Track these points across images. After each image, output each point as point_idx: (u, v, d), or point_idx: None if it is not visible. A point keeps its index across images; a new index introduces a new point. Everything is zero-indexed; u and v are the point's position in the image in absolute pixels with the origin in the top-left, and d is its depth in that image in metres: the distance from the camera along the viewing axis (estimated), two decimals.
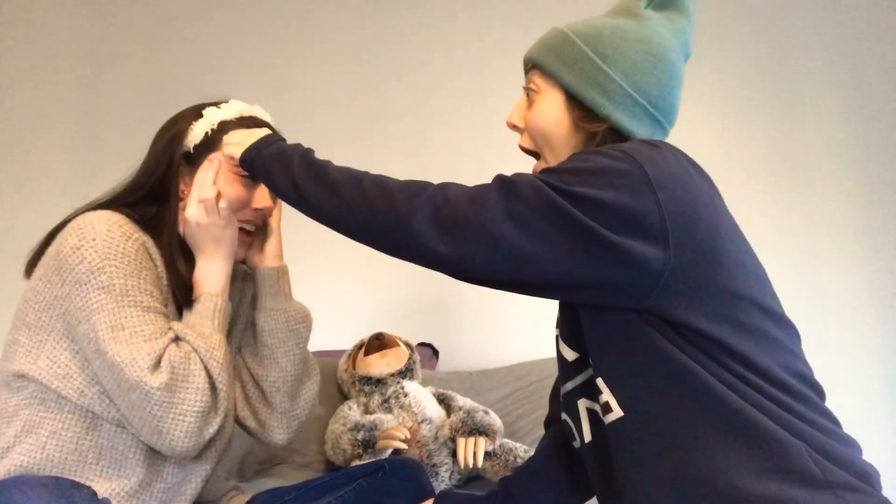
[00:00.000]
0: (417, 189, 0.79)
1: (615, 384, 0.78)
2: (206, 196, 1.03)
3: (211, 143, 1.08)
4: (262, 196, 1.11)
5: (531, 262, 0.74)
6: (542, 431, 1.87)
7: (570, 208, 0.72)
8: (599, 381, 0.80)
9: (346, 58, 2.49)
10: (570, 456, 1.03)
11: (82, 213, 1.02)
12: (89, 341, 0.94)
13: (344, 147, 2.42)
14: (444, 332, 2.27)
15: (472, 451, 1.59)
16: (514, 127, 0.96)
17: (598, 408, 0.83)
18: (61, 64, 2.39)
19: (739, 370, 0.73)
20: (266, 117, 1.15)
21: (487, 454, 1.62)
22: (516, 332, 2.27)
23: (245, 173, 1.04)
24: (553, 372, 1.99)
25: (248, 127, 1.09)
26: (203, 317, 1.02)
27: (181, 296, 1.05)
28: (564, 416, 0.93)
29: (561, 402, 0.94)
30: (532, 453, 1.61)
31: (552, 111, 0.90)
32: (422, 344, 2.18)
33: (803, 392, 0.76)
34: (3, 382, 1.00)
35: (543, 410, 1.95)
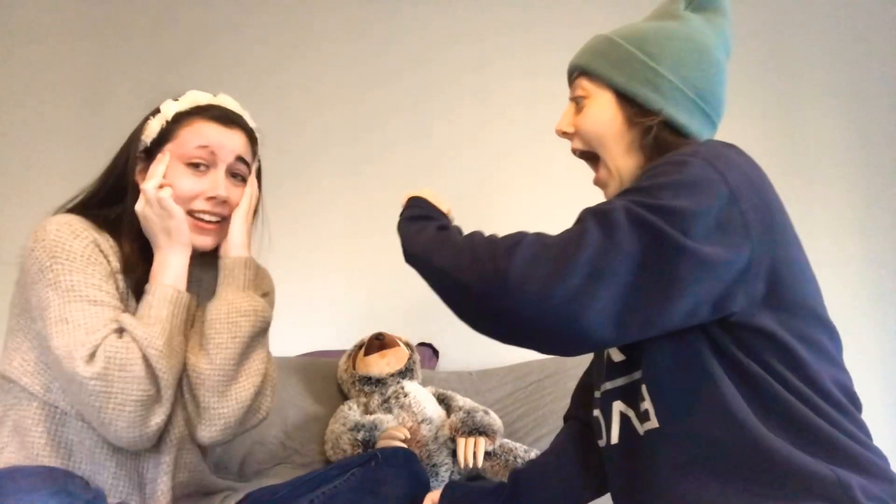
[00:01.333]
0: (516, 237, 0.76)
1: (658, 395, 0.79)
2: (146, 186, 1.04)
3: (165, 135, 1.09)
4: (213, 185, 1.09)
5: (638, 289, 0.71)
6: (542, 431, 1.90)
7: (665, 226, 0.71)
8: (644, 389, 0.81)
9: (346, 57, 2.49)
10: (583, 453, 1.04)
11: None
12: (42, 339, 0.97)
13: (344, 147, 2.42)
14: (444, 332, 2.26)
15: (472, 451, 1.59)
16: (563, 134, 0.98)
17: (632, 413, 0.84)
18: (61, 61, 2.38)
19: (798, 385, 0.75)
20: (228, 105, 1.15)
21: (487, 454, 1.62)
22: None
23: (198, 161, 1.08)
24: (553, 372, 2.01)
25: (201, 116, 1.10)
26: (150, 306, 1.01)
27: (138, 289, 1.06)
28: (597, 413, 0.94)
29: (596, 400, 0.94)
30: (532, 453, 1.61)
31: (604, 112, 0.92)
32: (422, 344, 2.18)
33: (847, 406, 0.77)
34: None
35: (543, 410, 1.96)
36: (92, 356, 0.93)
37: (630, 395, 0.85)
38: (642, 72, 0.89)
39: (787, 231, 0.80)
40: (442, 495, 1.05)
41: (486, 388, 2.02)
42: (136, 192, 1.09)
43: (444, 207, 1.03)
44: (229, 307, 1.08)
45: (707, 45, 0.91)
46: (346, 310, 2.33)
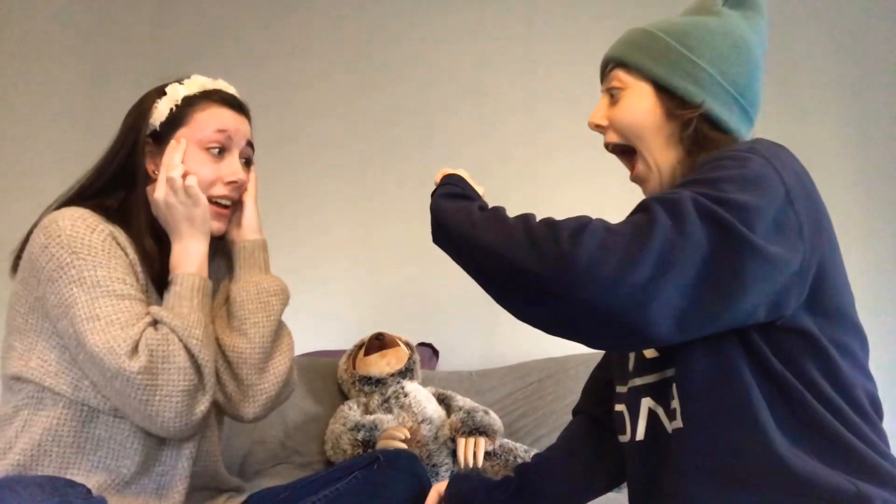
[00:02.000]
0: (581, 222, 0.73)
1: (687, 396, 0.79)
2: (172, 175, 1.03)
3: (176, 119, 1.08)
4: (232, 169, 1.09)
5: (702, 285, 0.69)
6: (542, 431, 1.90)
7: (733, 221, 0.70)
8: (674, 387, 0.80)
9: (346, 57, 2.49)
10: (591, 449, 1.04)
11: (50, 211, 1.03)
12: (70, 336, 0.95)
13: (345, 148, 2.42)
14: (444, 332, 2.27)
15: (472, 451, 1.59)
16: (597, 126, 0.96)
17: (661, 411, 0.84)
18: (61, 61, 2.39)
19: (830, 394, 0.74)
20: (230, 90, 1.15)
21: (487, 454, 1.62)
22: (516, 332, 2.26)
23: (216, 145, 1.07)
24: (553, 372, 2.01)
25: (213, 101, 1.10)
26: (181, 297, 1.01)
27: (157, 279, 1.05)
28: (620, 408, 0.93)
29: (620, 395, 0.94)
30: (532, 453, 1.61)
31: (642, 103, 0.91)
32: (422, 344, 2.18)
33: (872, 416, 0.77)
34: (4, 386, 1.03)
35: (543, 410, 1.96)
36: (134, 350, 0.93)
37: (661, 393, 0.84)
38: (683, 64, 0.89)
39: (832, 236, 0.79)
40: (448, 486, 1.04)
41: (486, 388, 2.02)
42: (146, 177, 1.07)
43: (480, 190, 1.00)
44: (258, 288, 1.10)
45: (746, 40, 0.91)
46: (347, 310, 2.33)
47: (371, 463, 1.12)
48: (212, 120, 1.08)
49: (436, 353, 2.21)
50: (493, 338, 2.31)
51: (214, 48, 2.46)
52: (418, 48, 2.50)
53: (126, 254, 1.02)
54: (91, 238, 0.98)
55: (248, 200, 1.14)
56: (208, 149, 1.07)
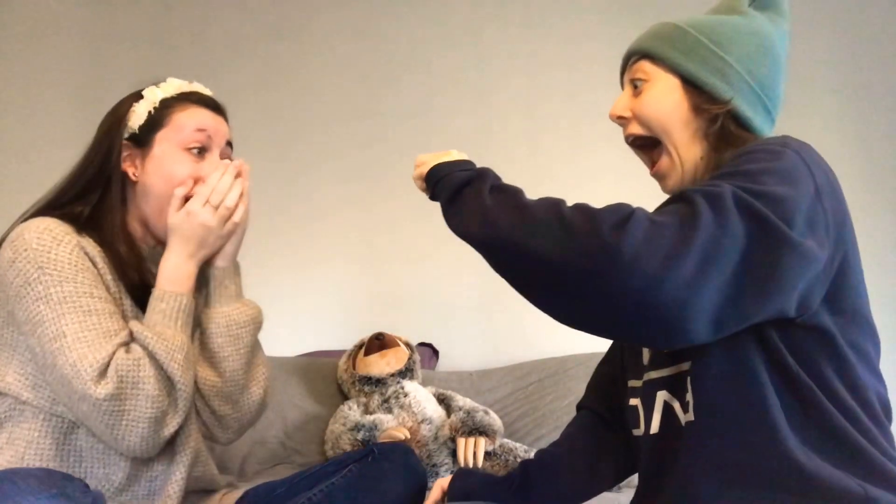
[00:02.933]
0: (623, 212, 0.70)
1: (701, 390, 0.78)
2: (229, 205, 1.03)
3: (156, 121, 1.07)
4: (213, 168, 1.07)
5: (740, 281, 0.68)
6: (542, 431, 1.90)
7: (771, 215, 0.69)
8: (689, 380, 0.80)
9: (345, 59, 2.49)
10: (596, 445, 1.03)
11: (21, 221, 1.02)
12: (38, 355, 0.94)
13: (344, 149, 2.42)
14: (444, 332, 2.27)
15: (472, 451, 1.59)
16: (619, 118, 0.94)
17: (677, 404, 0.84)
18: (61, 61, 2.39)
19: (843, 395, 0.74)
20: (207, 91, 1.14)
21: (487, 454, 1.62)
22: (516, 332, 2.27)
23: (197, 145, 1.05)
24: (553, 372, 2.01)
25: (191, 101, 1.08)
26: (167, 317, 0.99)
27: (133, 286, 1.03)
28: (635, 402, 0.92)
29: (635, 389, 0.93)
30: (532, 453, 1.61)
31: (669, 96, 0.90)
32: (422, 344, 2.18)
33: (882, 419, 0.77)
34: None
35: (543, 410, 1.96)
36: (102, 375, 0.90)
37: (676, 385, 0.84)
38: (712, 60, 0.88)
39: (853, 235, 0.79)
40: (451, 482, 1.04)
41: (486, 388, 2.02)
42: (124, 180, 1.07)
43: (463, 156, 0.97)
44: (227, 320, 1.07)
45: (772, 42, 0.91)
46: (347, 310, 2.33)
47: (365, 456, 1.11)
48: (190, 120, 1.07)
49: (436, 353, 2.21)
50: (493, 338, 2.31)
51: (214, 49, 2.46)
52: (418, 48, 2.50)
53: (96, 265, 0.99)
54: (58, 251, 0.95)
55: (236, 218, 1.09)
56: (189, 149, 1.06)
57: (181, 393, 0.97)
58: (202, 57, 2.43)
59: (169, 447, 1.03)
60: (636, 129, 0.93)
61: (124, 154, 1.08)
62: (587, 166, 2.37)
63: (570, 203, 0.76)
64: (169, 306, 0.99)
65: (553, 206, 0.75)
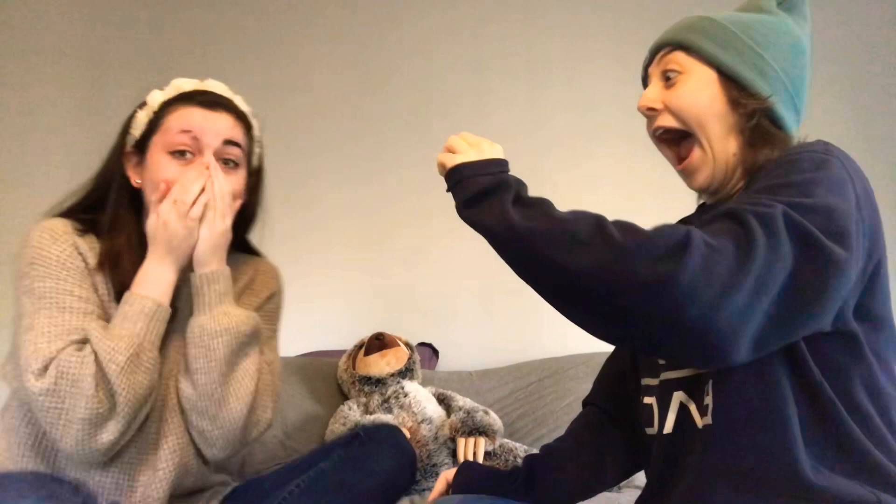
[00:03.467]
0: (678, 237, 0.67)
1: (721, 394, 0.78)
2: (187, 201, 0.99)
3: (153, 127, 1.05)
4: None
5: (786, 303, 0.67)
6: (542, 431, 1.90)
7: (821, 236, 0.68)
8: (710, 384, 0.80)
9: (345, 58, 2.48)
10: (600, 441, 1.03)
11: (42, 219, 1.04)
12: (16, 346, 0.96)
13: (345, 148, 2.42)
14: (444, 332, 2.27)
15: (472, 451, 1.59)
16: (650, 110, 0.91)
17: (693, 406, 0.83)
18: (61, 61, 2.38)
19: (864, 404, 0.74)
20: (213, 88, 1.09)
21: (487, 454, 1.62)
22: (516, 332, 2.27)
23: (182, 148, 1.02)
24: (553, 372, 2.01)
25: (184, 102, 1.05)
26: (125, 318, 0.96)
27: (121, 289, 1.02)
28: (650, 400, 0.92)
29: (650, 387, 0.93)
30: (532, 453, 1.61)
31: (705, 89, 0.88)
32: (422, 344, 2.18)
33: None
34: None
35: (543, 410, 1.96)
36: (44, 370, 0.90)
37: (693, 387, 0.84)
38: (750, 56, 0.87)
39: (884, 243, 0.79)
40: (456, 474, 1.04)
41: (486, 388, 2.02)
42: (129, 189, 1.06)
43: (496, 152, 0.89)
44: (201, 329, 1.01)
45: (802, 44, 0.91)
46: (347, 310, 2.32)
47: (352, 440, 1.11)
48: (176, 122, 1.03)
49: (436, 353, 2.21)
50: (493, 338, 2.31)
51: (214, 48, 2.46)
52: (418, 49, 2.50)
53: (86, 261, 1.00)
54: (50, 250, 0.98)
55: (204, 222, 1.02)
56: (172, 152, 1.02)
57: (120, 398, 0.92)
58: (201, 55, 2.43)
59: (151, 458, 1.02)
60: (668, 121, 0.90)
61: (129, 163, 1.07)
62: (587, 165, 2.37)
63: (610, 218, 0.72)
64: (132, 308, 0.97)
65: (597, 224, 0.71)
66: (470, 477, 1.03)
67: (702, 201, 1.01)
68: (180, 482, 1.06)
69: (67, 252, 0.99)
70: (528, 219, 0.76)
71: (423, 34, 2.50)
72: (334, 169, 2.40)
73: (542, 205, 0.78)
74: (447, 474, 1.06)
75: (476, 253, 2.47)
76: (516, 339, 2.26)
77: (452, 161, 0.87)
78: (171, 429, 1.04)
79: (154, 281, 0.99)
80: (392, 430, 1.14)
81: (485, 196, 0.82)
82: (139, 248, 1.03)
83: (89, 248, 1.02)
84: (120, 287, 1.01)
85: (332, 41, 2.50)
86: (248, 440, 1.07)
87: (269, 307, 1.19)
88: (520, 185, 0.84)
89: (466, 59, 2.49)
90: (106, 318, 1.00)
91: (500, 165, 0.87)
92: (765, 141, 0.85)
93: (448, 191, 0.88)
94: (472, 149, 0.89)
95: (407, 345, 1.90)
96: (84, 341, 0.94)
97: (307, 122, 2.43)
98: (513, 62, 2.48)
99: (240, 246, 1.19)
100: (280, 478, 1.12)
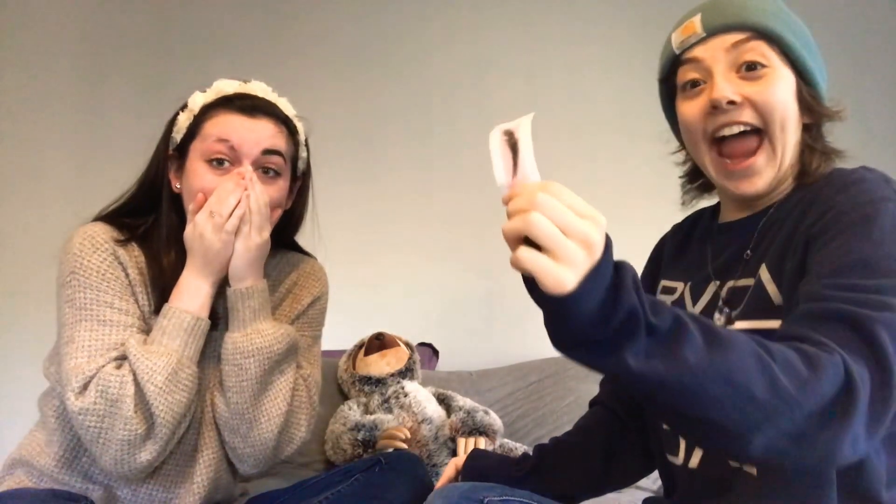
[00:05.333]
0: (838, 386, 0.61)
1: None
2: (223, 213, 0.96)
3: (192, 131, 1.02)
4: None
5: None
6: (542, 431, 1.90)
7: None
8: None
9: (345, 58, 2.48)
10: (609, 440, 1.01)
11: (85, 223, 1.03)
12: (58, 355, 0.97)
13: (346, 147, 2.42)
14: (444, 332, 2.27)
15: None
16: (730, 103, 0.80)
17: None
18: (61, 61, 2.38)
19: None
20: (261, 92, 1.06)
21: None
22: (516, 332, 2.27)
23: (219, 157, 0.99)
24: (553, 372, 2.01)
25: (224, 107, 1.01)
26: (164, 333, 0.95)
27: (161, 300, 1.01)
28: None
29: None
30: (541, 443, 1.60)
31: (787, 90, 0.81)
32: (422, 344, 2.18)
33: None
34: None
35: (543, 410, 1.96)
36: (84, 388, 0.90)
37: None
38: (819, 61, 0.84)
39: None
40: (466, 461, 1.02)
41: (486, 388, 2.02)
42: (172, 193, 1.04)
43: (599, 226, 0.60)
44: (234, 348, 1.00)
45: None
46: (347, 310, 2.32)
47: (372, 466, 1.10)
48: (214, 129, 1.00)
49: (436, 353, 2.21)
50: (493, 338, 2.31)
51: (214, 48, 2.46)
52: (418, 49, 2.50)
53: (127, 273, 0.98)
54: (91, 259, 0.96)
55: (240, 236, 0.98)
56: (209, 161, 0.99)
57: (158, 418, 0.91)
58: (201, 55, 2.43)
59: (187, 471, 1.02)
60: (749, 117, 0.81)
61: (172, 167, 1.05)
62: (587, 165, 2.37)
63: (771, 360, 0.60)
64: (170, 323, 0.96)
65: (762, 367, 0.59)
66: (479, 464, 1.02)
67: (700, 211, 0.98)
68: (212, 496, 1.06)
69: (108, 262, 0.97)
70: (702, 370, 0.58)
71: (423, 36, 2.50)
72: (335, 169, 2.40)
73: (721, 359, 0.60)
74: (456, 461, 1.04)
75: (476, 254, 2.48)
76: (516, 339, 2.25)
77: (550, 274, 0.56)
78: (207, 442, 1.04)
79: (192, 293, 0.98)
80: (412, 461, 1.13)
81: (629, 329, 0.59)
82: (181, 258, 1.01)
83: (130, 258, 1.00)
84: (161, 298, 1.00)
85: (332, 43, 2.50)
86: (280, 457, 1.07)
87: (312, 313, 1.18)
88: (649, 326, 0.59)
89: (467, 61, 2.49)
90: (147, 329, 0.99)
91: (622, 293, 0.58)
92: (821, 153, 0.81)
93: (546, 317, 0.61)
94: (573, 241, 0.57)
95: (407, 345, 1.90)
96: (123, 358, 0.93)
97: (309, 123, 2.42)
98: (512, 67, 2.48)
99: (288, 245, 1.18)
100: (296, 493, 1.12)
